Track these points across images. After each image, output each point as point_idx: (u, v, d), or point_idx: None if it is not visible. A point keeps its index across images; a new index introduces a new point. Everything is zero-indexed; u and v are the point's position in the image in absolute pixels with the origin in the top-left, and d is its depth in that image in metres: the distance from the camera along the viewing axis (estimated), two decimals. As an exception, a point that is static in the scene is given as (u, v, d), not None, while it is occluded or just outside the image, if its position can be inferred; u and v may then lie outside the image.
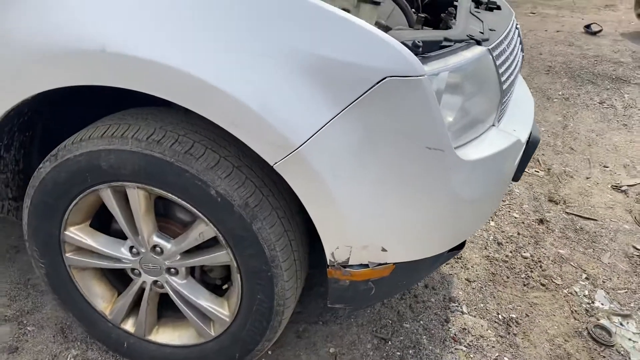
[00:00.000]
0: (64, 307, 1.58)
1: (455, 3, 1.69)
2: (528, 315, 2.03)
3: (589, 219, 2.68)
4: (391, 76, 1.12)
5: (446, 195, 1.29)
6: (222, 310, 1.46)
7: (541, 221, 2.62)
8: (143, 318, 1.53)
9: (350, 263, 1.31)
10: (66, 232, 1.45)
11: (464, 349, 1.85)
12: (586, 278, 2.26)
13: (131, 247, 1.45)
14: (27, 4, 1.19)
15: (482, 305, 2.06)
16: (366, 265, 1.33)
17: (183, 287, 1.46)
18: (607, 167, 3.22)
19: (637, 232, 2.60)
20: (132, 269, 1.49)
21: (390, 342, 1.84)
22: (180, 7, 1.13)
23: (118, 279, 1.61)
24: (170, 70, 1.12)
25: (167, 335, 1.58)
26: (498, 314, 2.02)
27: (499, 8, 1.80)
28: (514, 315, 2.02)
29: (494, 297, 2.10)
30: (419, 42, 1.20)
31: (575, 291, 2.18)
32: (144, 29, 1.14)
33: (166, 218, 1.46)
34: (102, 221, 1.52)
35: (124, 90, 1.21)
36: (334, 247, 1.28)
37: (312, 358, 1.75)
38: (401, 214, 1.27)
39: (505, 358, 1.84)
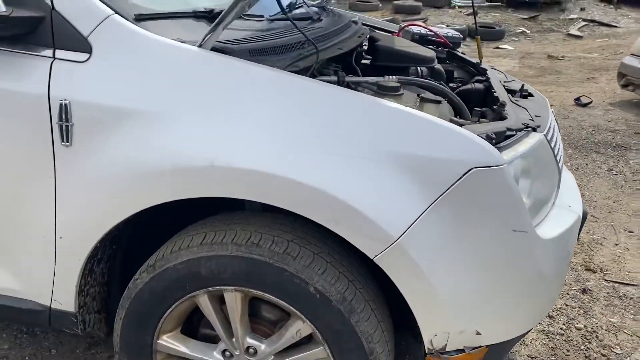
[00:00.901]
0: (153, 419, 1.57)
1: (494, 94, 1.84)
2: (598, 388, 2.02)
3: (629, 284, 2.73)
4: (476, 167, 1.23)
5: (532, 273, 1.36)
6: (318, 407, 1.46)
7: (584, 291, 2.66)
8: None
9: (447, 349, 1.35)
10: (159, 341, 1.48)
11: None
12: (644, 345, 2.27)
13: (224, 351, 1.48)
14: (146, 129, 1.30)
15: (551, 381, 2.06)
16: (462, 350, 1.36)
17: (277, 386, 1.48)
18: (632, 232, 3.31)
19: (679, 294, 2.65)
20: (224, 373, 1.51)
21: None
22: (283, 121, 1.25)
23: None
24: (277, 179, 1.22)
25: None
26: (568, 389, 2.02)
27: (532, 95, 1.96)
28: (584, 389, 2.02)
29: (561, 372, 2.10)
30: (491, 134, 1.33)
31: (637, 359, 2.19)
32: (251, 143, 1.25)
33: (254, 318, 1.50)
34: (189, 327, 1.55)
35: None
36: (432, 335, 1.33)
37: None
38: (493, 296, 1.33)
39: None
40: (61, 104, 1.31)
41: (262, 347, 1.45)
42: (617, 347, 2.26)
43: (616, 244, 3.16)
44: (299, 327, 1.38)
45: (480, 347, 1.38)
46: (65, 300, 1.50)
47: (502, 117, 1.58)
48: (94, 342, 2.14)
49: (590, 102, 6.49)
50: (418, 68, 1.94)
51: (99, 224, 1.38)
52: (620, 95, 6.96)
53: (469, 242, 1.27)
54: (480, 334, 1.35)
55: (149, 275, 1.41)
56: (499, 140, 1.35)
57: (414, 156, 1.24)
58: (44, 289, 1.51)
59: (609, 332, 2.35)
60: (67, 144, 1.33)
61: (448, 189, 1.23)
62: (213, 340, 1.54)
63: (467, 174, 1.23)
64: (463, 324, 1.33)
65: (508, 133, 1.43)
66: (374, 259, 1.26)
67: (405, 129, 1.26)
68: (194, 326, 1.59)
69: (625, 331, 2.36)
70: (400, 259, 1.24)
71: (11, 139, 1.37)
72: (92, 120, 1.31)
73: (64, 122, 1.32)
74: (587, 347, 2.25)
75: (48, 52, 1.33)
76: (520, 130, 1.47)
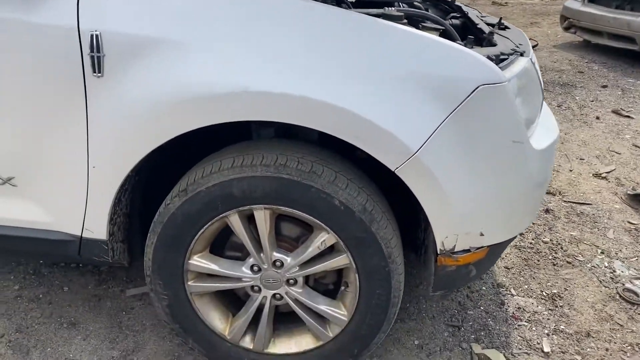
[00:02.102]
0: (184, 335, 1.70)
1: (478, 26, 1.99)
2: (567, 289, 2.30)
3: (584, 204, 3.03)
4: (483, 84, 1.38)
5: (527, 180, 1.54)
6: (340, 310, 1.63)
7: (547, 211, 2.94)
8: (263, 332, 1.68)
9: (455, 250, 1.53)
10: (190, 261, 1.59)
11: (526, 323, 2.09)
12: (601, 252, 2.57)
13: (252, 266, 1.61)
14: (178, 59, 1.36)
15: (525, 286, 2.31)
16: (468, 250, 1.55)
17: (302, 295, 1.63)
18: (583, 159, 3.62)
19: (627, 210, 2.97)
20: (252, 286, 1.64)
21: (462, 328, 2.06)
22: (308, 46, 1.35)
23: (230, 301, 1.75)
24: (306, 101, 1.33)
25: (283, 345, 1.72)
26: (542, 291, 2.29)
27: (509, 28, 2.12)
28: (555, 291, 2.29)
29: (533, 278, 2.37)
30: (492, 56, 1.48)
31: (596, 264, 2.48)
32: (279, 68, 1.35)
33: (278, 235, 1.63)
34: (214, 247, 1.67)
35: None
36: (443, 237, 1.50)
37: (402, 351, 1.93)
38: (495, 200, 1.51)
39: (562, 326, 2.09)
40: (92, 35, 1.35)
41: (288, 259, 1.59)
42: (580, 255, 2.55)
43: (570, 170, 3.45)
44: (324, 238, 1.52)
45: (482, 247, 1.57)
46: (97, 228, 1.58)
47: (492, 44, 1.73)
48: (103, 279, 2.22)
49: (536, 45, 6.80)
50: (400, 4, 2.06)
51: (132, 153, 1.45)
52: (563, 37, 7.30)
53: (477, 152, 1.43)
54: (483, 235, 1.54)
55: (181, 199, 1.51)
56: (496, 62, 1.51)
57: (429, 75, 1.37)
58: (75, 219, 1.58)
59: (571, 243, 2.64)
60: (99, 74, 1.38)
61: (459, 104, 1.38)
62: (239, 257, 1.66)
63: (476, 91, 1.38)
64: (469, 226, 1.51)
65: (502, 57, 1.58)
66: (395, 171, 1.40)
67: (420, 50, 1.39)
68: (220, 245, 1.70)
69: (585, 242, 2.66)
70: (419, 170, 1.39)
71: (43, 73, 1.40)
72: (124, 49, 1.36)
73: (95, 53, 1.36)
74: (554, 257, 2.53)
75: (68, -16, 1.36)
76: (511, 54, 1.63)
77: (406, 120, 1.37)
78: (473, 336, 2.02)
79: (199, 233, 1.55)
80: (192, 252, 1.58)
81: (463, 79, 1.38)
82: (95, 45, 1.36)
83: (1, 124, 1.48)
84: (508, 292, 2.28)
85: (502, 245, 1.66)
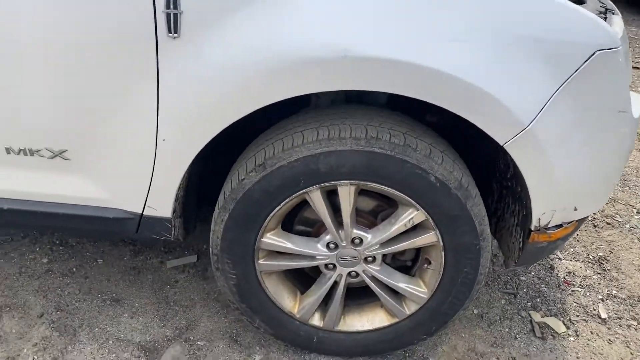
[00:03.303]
0: (251, 314, 1.59)
1: None
2: (611, 252, 2.28)
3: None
4: (600, 49, 1.26)
5: (624, 150, 1.45)
6: (419, 288, 1.55)
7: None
8: (335, 310, 1.59)
9: (549, 225, 1.45)
10: (263, 239, 1.47)
11: (579, 289, 2.07)
12: (637, 212, 2.55)
13: (328, 243, 1.50)
14: (265, 18, 1.19)
15: (572, 249, 2.28)
16: (560, 225, 1.47)
17: (380, 272, 1.53)
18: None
19: (653, 167, 2.95)
20: (326, 264, 1.53)
21: (518, 296, 2.02)
22: (413, 8, 1.19)
23: (296, 278, 1.65)
24: (411, 67, 1.18)
25: (355, 323, 1.64)
26: (587, 254, 2.26)
27: None
28: (600, 254, 2.26)
29: (577, 241, 2.33)
30: (601, 16, 1.35)
31: (635, 225, 2.46)
32: (382, 32, 1.19)
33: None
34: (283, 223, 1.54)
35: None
36: (540, 213, 1.41)
37: (463, 322, 1.88)
38: (594, 173, 1.42)
39: (613, 290, 2.07)
40: (168, -12, 1.15)
41: (368, 237, 1.48)
42: (618, 215, 2.53)
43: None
44: (412, 216, 1.42)
45: (572, 221, 1.50)
46: (162, 205, 1.43)
47: (582, 2, 1.59)
48: (139, 249, 2.08)
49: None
50: None
51: (210, 125, 1.29)
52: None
53: (585, 123, 1.32)
54: (576, 210, 1.46)
55: (258, 174, 1.36)
56: (602, 23, 1.38)
57: (543, 40, 1.24)
58: (136, 196, 1.42)
59: (607, 204, 2.61)
60: (174, 35, 1.19)
61: (575, 72, 1.26)
62: (307, 235, 1.55)
63: (592, 57, 1.25)
64: (567, 201, 1.42)
65: (600, 16, 1.45)
66: (504, 145, 1.29)
67: (534, 11, 1.24)
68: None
69: (620, 201, 2.63)
70: (529, 144, 1.28)
71: (106, 33, 1.20)
72: (205, 6, 1.18)
73: (171, 9, 1.17)
74: (593, 217, 2.50)
75: None
76: (605, 13, 1.50)
77: (519, 91, 1.24)
78: (530, 303, 1.99)
79: (275, 210, 1.42)
80: (266, 229, 1.45)
81: (580, 44, 1.25)
82: (172, 1, 1.16)
83: (50, 89, 1.28)
84: (555, 256, 2.24)
85: (586, 218, 1.58)
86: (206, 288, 1.93)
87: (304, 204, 1.49)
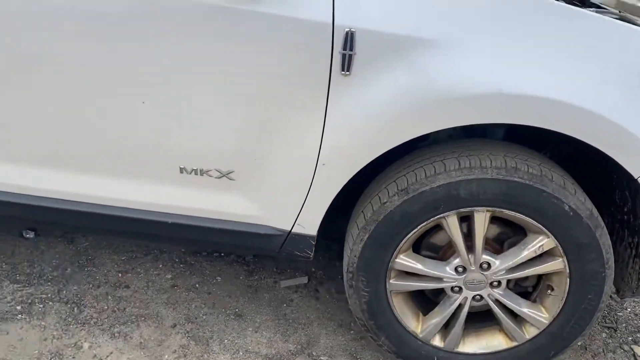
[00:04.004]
0: (377, 332, 1.70)
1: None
2: None
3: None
4: None
5: None
6: (540, 313, 1.64)
7: None
8: (457, 332, 1.68)
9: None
10: (397, 260, 1.59)
11: (679, 327, 2.11)
12: None
13: (457, 267, 1.61)
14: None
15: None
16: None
17: (504, 297, 1.63)
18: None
19: None
20: (453, 287, 1.64)
21: (618, 330, 2.07)
22: (567, 50, 1.34)
23: (418, 300, 1.75)
24: (561, 105, 1.32)
25: (473, 345, 1.73)
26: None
27: None
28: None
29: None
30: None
31: None
32: (537, 72, 1.33)
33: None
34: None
35: None
36: None
37: (568, 352, 1.94)
38: None
39: None
40: (347, 32, 1.33)
41: (497, 262, 1.58)
42: None
43: None
44: (542, 243, 1.52)
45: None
46: (310, 224, 1.57)
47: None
48: (252, 269, 2.22)
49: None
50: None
51: (367, 152, 1.44)
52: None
53: None
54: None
55: (401, 198, 1.50)
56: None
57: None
58: (289, 215, 1.57)
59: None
60: (347, 72, 1.36)
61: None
62: (438, 257, 1.67)
63: None
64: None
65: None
66: (638, 179, 1.40)
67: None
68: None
69: None
70: None
71: (284, 67, 1.38)
72: (375, 48, 1.35)
73: (347, 50, 1.34)
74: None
75: (331, -20, 1.34)
76: None
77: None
78: (630, 338, 2.04)
79: (412, 232, 1.54)
80: (401, 250, 1.58)
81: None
82: (349, 43, 1.33)
83: (228, 117, 1.46)
84: (649, 294, 2.29)
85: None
86: (320, 308, 2.05)
87: (430, 229, 1.62)
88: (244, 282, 2.15)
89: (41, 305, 1.92)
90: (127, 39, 1.38)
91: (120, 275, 2.12)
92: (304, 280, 2.17)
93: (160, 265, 2.20)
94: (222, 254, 2.28)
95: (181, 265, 2.21)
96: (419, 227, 1.54)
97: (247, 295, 2.08)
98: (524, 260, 1.57)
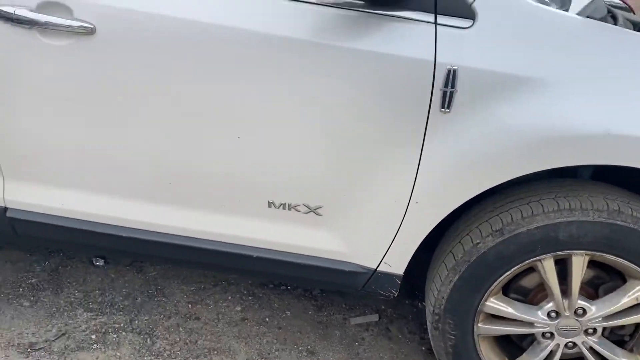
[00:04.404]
0: (462, 376, 1.64)
1: None
2: None
3: None
4: None
5: None
6: (638, 364, 1.55)
7: None
8: (548, 379, 1.61)
9: None
10: (487, 303, 1.53)
11: None
12: None
13: (549, 312, 1.54)
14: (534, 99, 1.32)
15: None
16: None
17: (599, 345, 1.55)
18: None
19: None
20: (544, 333, 1.57)
21: None
22: None
23: (506, 344, 1.69)
24: None
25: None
26: None
27: None
28: None
29: None
30: None
31: None
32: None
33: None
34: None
35: None
36: None
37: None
38: None
39: None
40: (448, 70, 1.31)
41: (593, 308, 1.51)
42: None
43: None
44: (643, 290, 1.45)
45: None
46: (398, 263, 1.54)
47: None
48: (321, 304, 2.19)
49: None
50: None
51: (463, 191, 1.41)
52: None
53: None
54: None
55: (495, 240, 1.45)
56: None
57: None
58: (376, 252, 1.54)
59: None
60: (446, 110, 1.34)
61: None
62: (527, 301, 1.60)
63: None
64: None
65: None
66: None
67: None
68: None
69: None
70: None
71: (381, 104, 1.37)
72: (476, 86, 1.33)
73: (448, 88, 1.32)
74: None
75: (429, 18, 1.33)
76: None
77: None
78: None
79: (505, 275, 1.49)
80: (491, 293, 1.52)
81: None
82: (451, 81, 1.32)
83: (320, 152, 1.45)
84: None
85: None
86: (393, 348, 1.99)
87: (522, 272, 1.56)
88: (313, 318, 2.11)
89: (115, 335, 1.93)
90: (224, 75, 1.40)
91: (190, 306, 2.11)
92: (375, 318, 2.12)
93: (229, 297, 2.19)
94: (289, 287, 2.26)
95: (250, 298, 2.19)
96: (512, 269, 1.48)
97: (318, 332, 2.04)
98: (623, 308, 1.49)
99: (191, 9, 1.37)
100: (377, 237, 1.52)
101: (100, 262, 2.30)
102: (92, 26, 1.37)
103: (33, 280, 2.16)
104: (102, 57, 1.40)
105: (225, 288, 2.24)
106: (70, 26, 1.37)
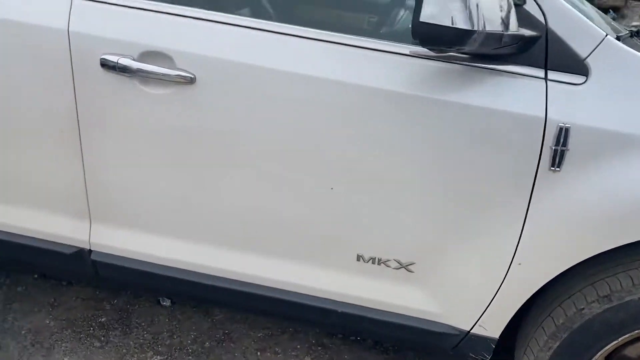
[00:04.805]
0: None
1: None
2: None
3: None
4: None
5: None
6: None
7: None
8: None
9: None
10: (586, 374, 1.43)
11: None
12: None
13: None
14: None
15: None
16: None
17: None
18: None
19: None
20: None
21: None
22: None
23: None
24: None
25: None
26: None
27: None
28: None
29: None
30: None
31: None
32: None
33: None
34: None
35: None
36: None
37: None
38: None
39: None
40: (560, 128, 1.25)
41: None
42: None
43: None
44: None
45: None
46: (494, 326, 1.46)
47: None
48: (392, 357, 2.10)
49: None
50: None
51: (572, 254, 1.33)
52: None
53: None
54: None
55: (602, 306, 1.36)
56: None
57: None
58: (471, 313, 1.46)
59: None
60: (556, 169, 1.28)
61: None
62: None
63: None
64: None
65: None
66: None
67: None
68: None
69: None
70: None
71: (485, 160, 1.32)
72: (589, 145, 1.26)
73: (559, 146, 1.26)
74: None
75: (539, 73, 1.28)
76: None
77: None
78: None
79: (611, 344, 1.39)
80: (594, 363, 1.42)
81: None
82: (562, 139, 1.25)
83: (416, 208, 1.40)
84: None
85: None
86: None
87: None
88: (382, 370, 2.03)
89: (185, 381, 1.89)
90: (324, 127, 1.37)
91: (259, 353, 2.06)
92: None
93: (298, 346, 2.13)
94: (358, 337, 2.18)
95: (319, 348, 2.12)
96: (620, 338, 1.38)
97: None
98: None
99: (291, 62, 1.36)
100: (473, 298, 1.45)
101: (167, 302, 2.28)
102: (192, 76, 1.37)
103: (103, 319, 2.15)
104: (200, 106, 1.39)
105: (293, 336, 2.18)
106: (171, 75, 1.37)
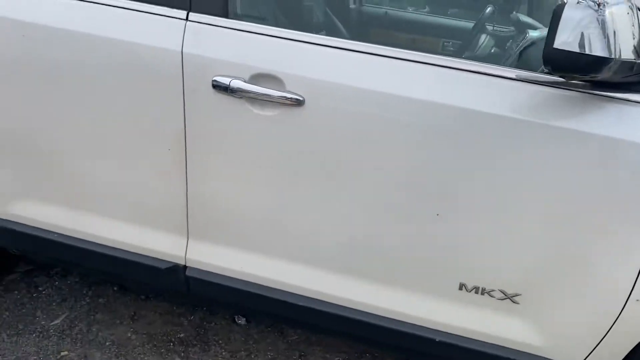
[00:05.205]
0: None
1: None
2: None
3: None
4: None
5: None
6: None
7: None
8: None
9: None
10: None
11: None
12: None
13: None
14: None
15: None
16: None
17: None
18: None
19: None
20: None
21: None
22: None
23: None
24: None
25: None
26: None
27: None
28: None
29: None
30: None
31: None
32: None
33: None
34: None
35: None
36: None
37: None
38: None
39: None
40: None
41: None
42: None
43: None
44: None
45: None
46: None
47: None
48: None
49: None
50: None
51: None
52: None
53: None
54: None
55: None
56: None
57: None
58: (580, 350, 1.41)
59: None
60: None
61: None
62: None
63: None
64: None
65: None
66: None
67: None
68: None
69: None
70: None
71: (603, 191, 1.27)
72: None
73: None
74: None
75: None
76: None
77: None
78: None
79: None
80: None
81: None
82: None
83: (526, 237, 1.36)
84: None
85: None
86: None
87: None
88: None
89: (265, 402, 1.88)
90: (435, 153, 1.36)
91: (336, 377, 2.03)
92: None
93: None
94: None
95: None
96: None
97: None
98: None
99: (400, 85, 1.35)
100: (582, 334, 1.39)
101: (243, 321, 2.29)
102: (302, 98, 1.38)
103: (182, 335, 2.17)
104: (308, 128, 1.40)
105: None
106: (281, 97, 1.39)
